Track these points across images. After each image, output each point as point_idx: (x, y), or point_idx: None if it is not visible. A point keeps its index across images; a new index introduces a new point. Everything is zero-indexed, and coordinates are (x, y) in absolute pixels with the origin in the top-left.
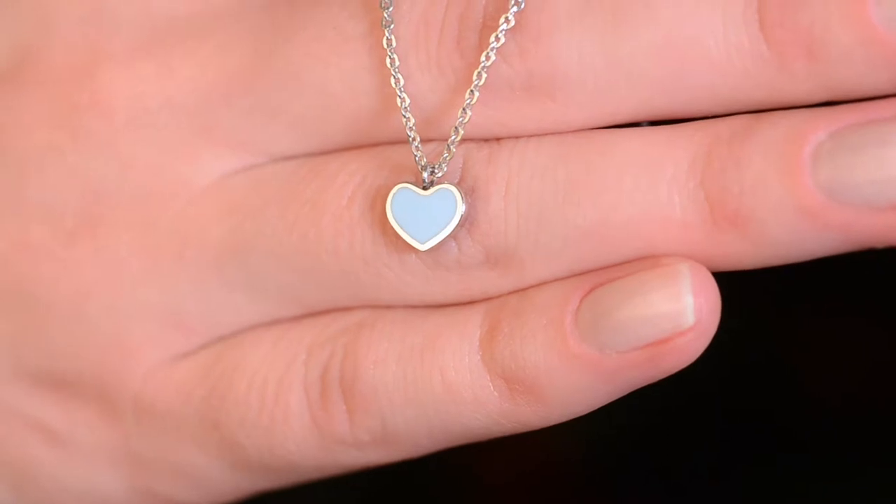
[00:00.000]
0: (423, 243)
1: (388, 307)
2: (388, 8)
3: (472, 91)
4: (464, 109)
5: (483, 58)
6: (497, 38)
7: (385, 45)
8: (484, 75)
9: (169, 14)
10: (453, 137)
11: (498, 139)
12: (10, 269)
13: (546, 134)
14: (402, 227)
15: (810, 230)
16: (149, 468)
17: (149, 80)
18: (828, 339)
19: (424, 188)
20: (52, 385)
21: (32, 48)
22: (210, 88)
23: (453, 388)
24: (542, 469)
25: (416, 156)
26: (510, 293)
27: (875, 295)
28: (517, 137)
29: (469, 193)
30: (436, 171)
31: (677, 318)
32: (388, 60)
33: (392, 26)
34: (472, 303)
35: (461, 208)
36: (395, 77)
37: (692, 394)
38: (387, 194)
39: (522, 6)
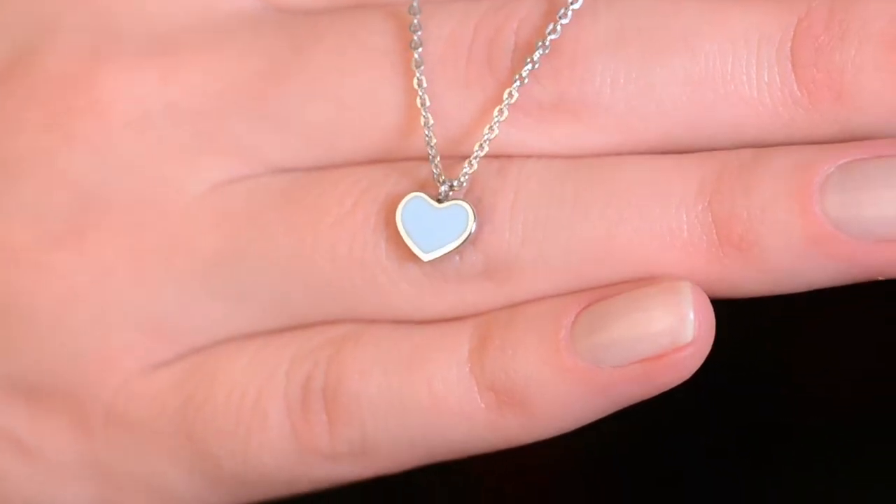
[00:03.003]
0: (426, 253)
1: (374, 321)
2: (417, 31)
3: (501, 109)
4: (491, 126)
5: (516, 78)
6: (532, 62)
7: (413, 66)
8: (515, 94)
9: (174, 24)
10: (477, 153)
11: (509, 156)
12: None
13: (558, 156)
14: (409, 236)
15: (815, 258)
16: (116, 481)
17: (151, 85)
18: (822, 335)
19: (439, 201)
20: (25, 394)
21: (31, 50)
22: (218, 95)
23: (440, 398)
24: (542, 469)
25: (434, 172)
26: (501, 308)
27: (872, 291)
28: (528, 156)
29: (476, 204)
30: (454, 185)
31: (676, 333)
32: (415, 81)
33: (420, 49)
34: (461, 318)
35: (472, 225)
36: (421, 97)
37: (694, 385)
38: (397, 201)
39: (559, 33)
